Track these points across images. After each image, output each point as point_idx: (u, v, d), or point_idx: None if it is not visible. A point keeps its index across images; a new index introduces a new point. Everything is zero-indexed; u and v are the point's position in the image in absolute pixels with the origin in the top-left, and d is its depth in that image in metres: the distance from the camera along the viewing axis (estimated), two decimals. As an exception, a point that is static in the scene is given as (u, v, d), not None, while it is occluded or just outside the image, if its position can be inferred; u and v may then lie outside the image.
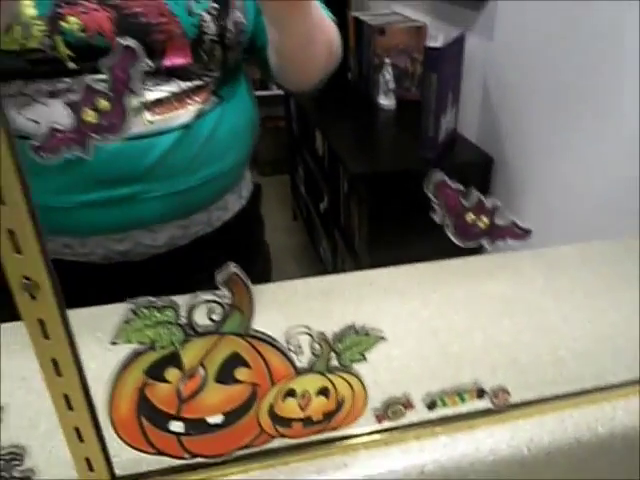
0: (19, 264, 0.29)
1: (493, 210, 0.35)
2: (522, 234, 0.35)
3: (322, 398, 0.40)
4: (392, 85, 1.90)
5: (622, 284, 0.67)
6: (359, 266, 1.71)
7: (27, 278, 0.30)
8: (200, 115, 0.70)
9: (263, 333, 0.37)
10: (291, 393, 0.40)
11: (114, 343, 0.33)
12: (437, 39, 1.55)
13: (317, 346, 0.38)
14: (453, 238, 0.35)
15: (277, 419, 0.40)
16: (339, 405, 0.41)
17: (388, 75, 1.89)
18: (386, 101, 1.92)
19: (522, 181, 1.44)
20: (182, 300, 0.35)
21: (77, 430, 0.36)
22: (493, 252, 0.44)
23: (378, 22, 1.97)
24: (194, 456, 0.40)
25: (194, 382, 0.37)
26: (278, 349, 0.38)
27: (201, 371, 0.37)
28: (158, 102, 0.66)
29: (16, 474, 0.37)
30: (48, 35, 0.61)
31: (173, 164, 0.69)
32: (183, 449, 0.40)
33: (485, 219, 0.35)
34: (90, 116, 0.27)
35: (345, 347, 0.39)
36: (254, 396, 0.39)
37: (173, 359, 0.36)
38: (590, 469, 0.49)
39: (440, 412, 0.45)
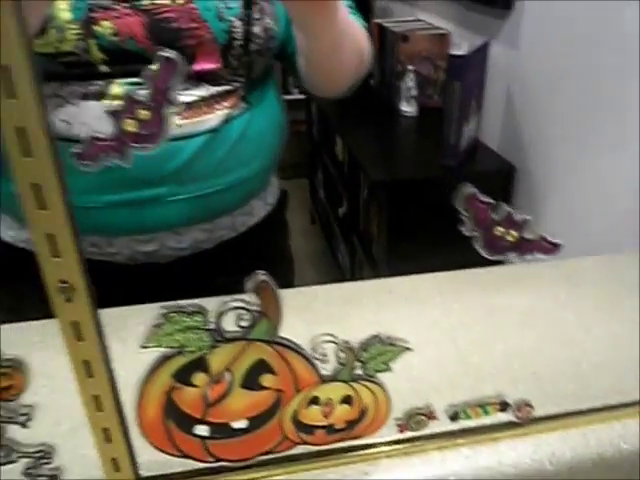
0: (57, 268, 0.30)
1: (522, 224, 0.35)
2: (551, 248, 0.35)
3: (345, 406, 0.41)
4: (414, 92, 1.90)
5: (647, 298, 0.66)
6: (377, 272, 1.71)
7: (63, 281, 0.31)
8: (228, 120, 0.71)
9: (289, 340, 0.37)
10: (315, 400, 0.40)
11: (145, 347, 0.34)
12: (461, 47, 1.55)
13: (342, 354, 0.38)
14: (481, 251, 0.35)
15: (300, 426, 0.41)
16: (362, 414, 0.41)
17: (410, 82, 1.89)
18: (408, 108, 1.92)
19: (544, 190, 1.43)
20: (210, 305, 0.35)
21: (105, 431, 0.36)
22: (514, 262, 0.44)
23: (401, 29, 1.98)
24: (218, 460, 0.41)
25: (220, 387, 0.38)
26: (304, 356, 0.38)
27: (227, 376, 0.37)
28: (187, 106, 0.67)
29: (44, 472, 0.38)
30: (82, 39, 0.62)
31: (200, 168, 0.70)
32: (207, 453, 0.40)
33: (514, 233, 0.35)
34: (130, 125, 0.27)
35: (370, 356, 0.39)
36: (278, 402, 0.39)
37: (201, 364, 0.36)
38: (613, 485, 0.49)
39: (462, 424, 0.45)
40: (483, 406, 0.44)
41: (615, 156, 1.15)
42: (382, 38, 2.07)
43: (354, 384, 0.40)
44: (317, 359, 0.38)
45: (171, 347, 0.35)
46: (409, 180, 1.55)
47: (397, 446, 0.44)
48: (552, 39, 1.32)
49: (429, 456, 0.45)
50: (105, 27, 0.63)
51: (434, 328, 0.63)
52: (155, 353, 0.36)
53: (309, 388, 0.39)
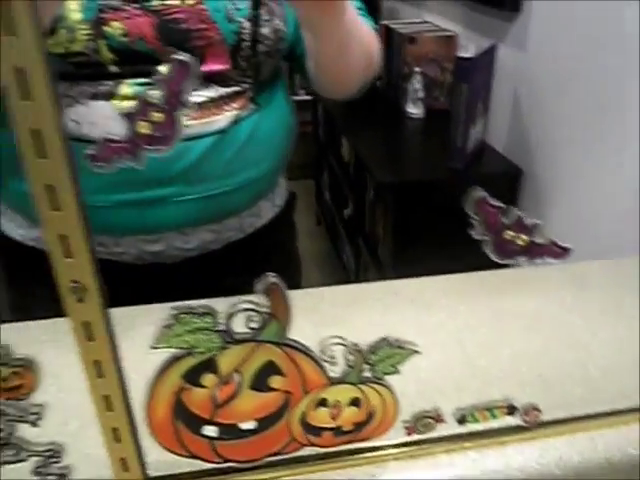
0: (69, 268, 0.30)
1: (533, 228, 0.35)
2: (561, 253, 0.35)
3: (353, 408, 0.41)
4: (421, 94, 1.90)
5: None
6: (382, 274, 1.71)
7: (75, 281, 0.31)
8: (237, 121, 0.71)
9: (298, 342, 0.38)
10: (323, 402, 0.40)
11: (155, 348, 0.34)
12: (468, 49, 1.55)
13: (351, 357, 0.38)
14: (491, 255, 0.35)
15: (308, 427, 0.41)
16: (370, 416, 0.42)
17: (417, 84, 1.89)
18: (414, 110, 1.92)
19: (550, 193, 1.42)
20: (220, 305, 0.36)
21: (115, 430, 0.36)
22: (521, 266, 0.44)
23: (409, 31, 1.98)
24: (226, 461, 0.41)
25: (229, 388, 0.38)
26: (312, 358, 0.38)
27: (236, 377, 0.38)
28: (196, 106, 0.67)
29: (54, 471, 0.38)
30: (92, 39, 0.63)
31: (207, 169, 0.70)
32: (215, 453, 0.40)
33: (524, 237, 0.35)
34: (144, 127, 0.28)
35: (379, 359, 0.39)
36: (287, 404, 0.39)
37: (210, 365, 0.37)
38: (620, 490, 0.49)
39: (470, 427, 0.45)
40: (491, 409, 0.44)
41: (621, 159, 1.14)
42: (389, 40, 2.07)
43: (362, 386, 0.40)
44: (325, 361, 0.38)
45: (181, 348, 0.35)
46: (415, 182, 1.55)
47: (404, 449, 0.44)
48: (560, 41, 1.32)
49: (436, 459, 0.45)
50: (115, 28, 0.63)
51: (440, 331, 0.63)
52: (164, 354, 0.36)
53: (317, 390, 0.39)
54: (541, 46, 1.41)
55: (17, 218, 0.76)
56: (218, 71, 0.69)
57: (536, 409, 0.45)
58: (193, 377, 0.37)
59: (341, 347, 0.38)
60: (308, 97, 2.78)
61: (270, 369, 0.38)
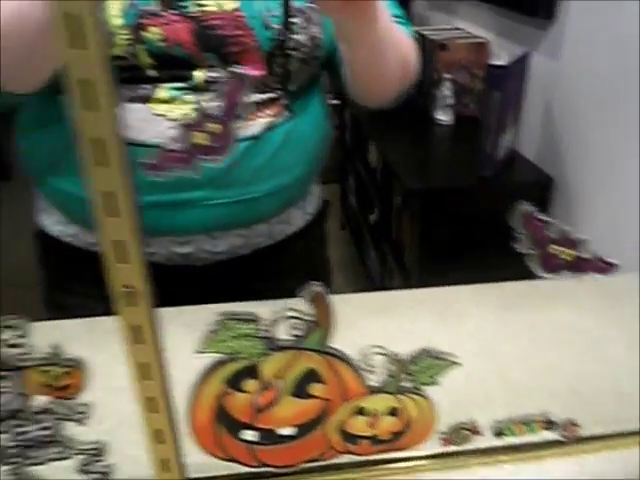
0: (123, 273, 0.31)
1: (579, 243, 0.35)
2: (607, 268, 0.35)
3: (391, 418, 0.41)
4: (451, 101, 1.89)
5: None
6: (408, 282, 1.70)
7: (127, 286, 0.32)
8: (270, 128, 0.71)
9: (339, 350, 0.38)
10: (361, 411, 0.40)
11: (200, 352, 0.35)
12: (500, 57, 1.53)
13: (391, 366, 0.38)
14: (536, 269, 0.35)
15: (346, 435, 0.41)
16: (407, 426, 0.42)
17: (447, 90, 1.88)
18: (444, 116, 1.91)
19: (582, 203, 1.41)
20: (262, 310, 0.36)
21: (158, 432, 0.37)
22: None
23: (440, 37, 1.97)
24: (263, 465, 0.41)
25: (270, 394, 0.38)
26: (352, 367, 0.38)
27: (278, 384, 0.38)
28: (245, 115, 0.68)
29: (97, 469, 0.39)
30: (131, 44, 0.64)
31: (238, 174, 0.70)
32: (254, 458, 0.41)
33: (570, 251, 0.35)
34: (200, 138, 0.28)
35: (418, 370, 0.39)
36: (326, 411, 0.40)
37: (252, 370, 0.37)
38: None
39: (506, 440, 0.45)
40: (528, 423, 0.44)
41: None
42: (420, 46, 2.06)
43: (400, 396, 0.40)
44: (365, 370, 0.39)
45: (225, 353, 0.36)
46: (444, 189, 1.54)
47: (440, 460, 0.44)
48: (594, 50, 1.31)
49: (472, 471, 0.44)
50: (153, 33, 0.64)
51: (471, 341, 0.63)
52: (205, 358, 0.37)
53: (356, 398, 0.40)
54: (575, 55, 1.39)
55: (56, 214, 0.77)
56: (253, 77, 0.69)
57: (574, 424, 0.44)
58: (235, 382, 0.37)
59: (380, 356, 0.38)
60: (336, 102, 2.78)
61: (311, 376, 0.38)
